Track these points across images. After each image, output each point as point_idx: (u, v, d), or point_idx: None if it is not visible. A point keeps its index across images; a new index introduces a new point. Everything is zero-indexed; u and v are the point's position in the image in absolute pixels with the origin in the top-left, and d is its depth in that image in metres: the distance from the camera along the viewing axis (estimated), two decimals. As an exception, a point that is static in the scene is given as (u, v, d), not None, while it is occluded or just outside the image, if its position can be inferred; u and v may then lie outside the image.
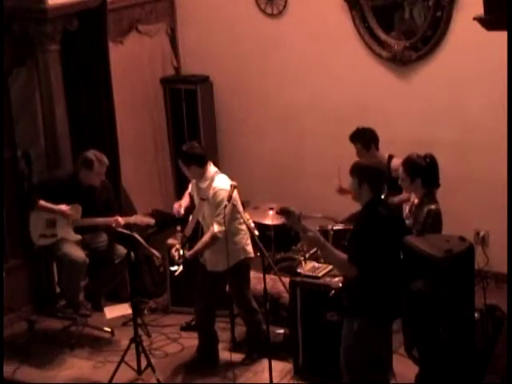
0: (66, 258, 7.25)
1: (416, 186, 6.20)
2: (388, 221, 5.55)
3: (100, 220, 7.37)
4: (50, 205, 7.25)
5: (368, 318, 5.54)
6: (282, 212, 5.66)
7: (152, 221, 7.46)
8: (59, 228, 7.31)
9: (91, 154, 7.28)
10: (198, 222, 6.73)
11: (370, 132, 7.43)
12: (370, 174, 5.60)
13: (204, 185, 6.55)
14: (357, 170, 5.66)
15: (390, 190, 7.20)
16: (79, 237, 7.35)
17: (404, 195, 6.88)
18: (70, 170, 7.56)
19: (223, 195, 6.38)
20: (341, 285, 6.10)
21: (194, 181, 6.71)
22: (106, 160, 7.31)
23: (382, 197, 5.69)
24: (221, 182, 6.50)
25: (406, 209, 6.47)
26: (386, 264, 5.51)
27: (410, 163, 6.20)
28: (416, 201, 6.29)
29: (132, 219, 7.38)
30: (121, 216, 7.32)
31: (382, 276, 5.49)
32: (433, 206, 6.11)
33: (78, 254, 7.24)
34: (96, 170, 7.26)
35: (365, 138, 7.41)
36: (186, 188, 7.00)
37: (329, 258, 5.76)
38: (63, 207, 7.24)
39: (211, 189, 6.50)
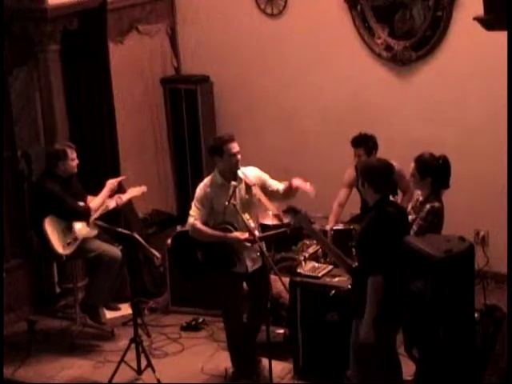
0: (106, 256, 7.28)
1: (425, 185, 6.21)
2: (396, 221, 5.55)
3: (107, 206, 7.45)
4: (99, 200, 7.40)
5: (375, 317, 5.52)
6: (289, 210, 5.68)
7: (144, 188, 7.64)
8: (76, 230, 7.33)
9: (57, 145, 7.44)
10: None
11: (373, 138, 7.36)
12: (371, 174, 5.61)
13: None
14: (360, 170, 5.70)
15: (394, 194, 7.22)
16: (96, 232, 7.37)
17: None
18: (43, 176, 7.58)
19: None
20: (350, 286, 6.07)
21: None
22: (72, 144, 7.43)
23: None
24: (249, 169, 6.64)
25: (409, 206, 6.47)
26: (392, 264, 5.51)
27: (422, 161, 6.20)
28: (421, 198, 6.30)
29: (128, 194, 7.55)
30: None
31: (388, 276, 5.49)
32: (436, 204, 6.13)
33: (115, 250, 7.31)
34: (71, 156, 7.33)
35: (369, 145, 7.34)
36: (187, 188, 6.99)
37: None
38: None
39: (252, 176, 6.54)
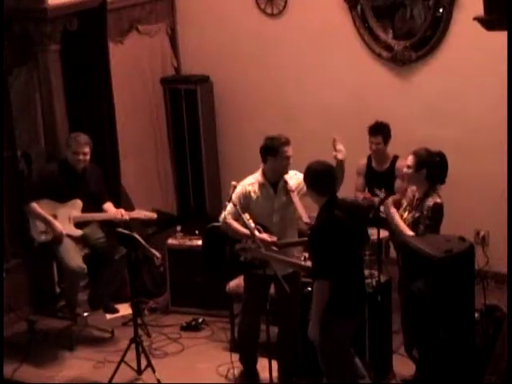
0: (63, 265, 7.24)
1: (420, 178, 6.20)
2: (344, 224, 5.46)
3: (103, 215, 7.40)
4: (42, 213, 7.24)
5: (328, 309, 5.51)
6: (240, 250, 5.79)
7: (154, 215, 7.47)
8: (60, 223, 7.29)
9: (72, 134, 7.39)
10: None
11: (388, 126, 7.40)
12: (310, 177, 5.60)
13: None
14: (304, 174, 5.66)
15: (393, 191, 7.21)
16: (80, 232, 7.34)
17: (396, 196, 6.90)
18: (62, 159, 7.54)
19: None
20: None
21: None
22: (83, 139, 7.24)
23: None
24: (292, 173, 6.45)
25: (404, 203, 6.46)
26: (345, 264, 5.47)
27: (418, 154, 6.24)
28: (417, 194, 6.30)
29: (135, 213, 7.43)
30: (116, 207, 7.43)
31: (342, 275, 5.46)
32: (438, 200, 6.15)
33: (75, 262, 7.16)
34: (74, 149, 7.23)
35: (386, 132, 7.38)
36: (187, 188, 6.95)
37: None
38: (57, 225, 7.22)
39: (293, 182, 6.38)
